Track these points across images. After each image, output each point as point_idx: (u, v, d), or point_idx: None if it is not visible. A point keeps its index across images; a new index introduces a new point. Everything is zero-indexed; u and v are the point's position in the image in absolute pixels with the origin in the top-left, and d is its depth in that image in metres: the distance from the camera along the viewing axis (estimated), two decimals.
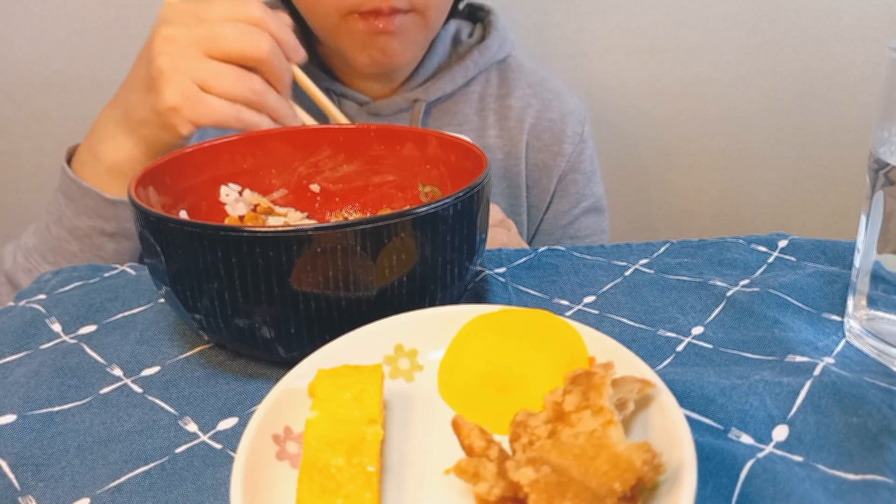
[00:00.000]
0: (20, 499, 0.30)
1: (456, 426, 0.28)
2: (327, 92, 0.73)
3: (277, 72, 0.56)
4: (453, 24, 0.80)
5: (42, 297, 0.47)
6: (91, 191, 0.58)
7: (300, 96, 0.65)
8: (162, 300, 0.46)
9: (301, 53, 0.58)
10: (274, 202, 0.51)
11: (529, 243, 0.83)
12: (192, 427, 0.34)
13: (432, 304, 0.38)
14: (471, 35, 0.81)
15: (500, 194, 0.80)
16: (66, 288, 0.48)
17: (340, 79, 0.76)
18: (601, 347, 0.32)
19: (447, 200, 0.36)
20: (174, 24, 0.54)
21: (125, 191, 0.59)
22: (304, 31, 0.75)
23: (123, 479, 0.31)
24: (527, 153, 0.79)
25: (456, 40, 0.80)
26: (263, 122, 0.56)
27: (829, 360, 0.36)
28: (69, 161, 0.62)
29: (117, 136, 0.58)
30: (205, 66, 0.53)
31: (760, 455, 0.29)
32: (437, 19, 0.70)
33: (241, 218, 0.49)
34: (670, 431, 0.27)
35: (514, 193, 0.80)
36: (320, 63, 0.76)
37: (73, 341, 0.42)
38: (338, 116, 0.65)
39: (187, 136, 0.56)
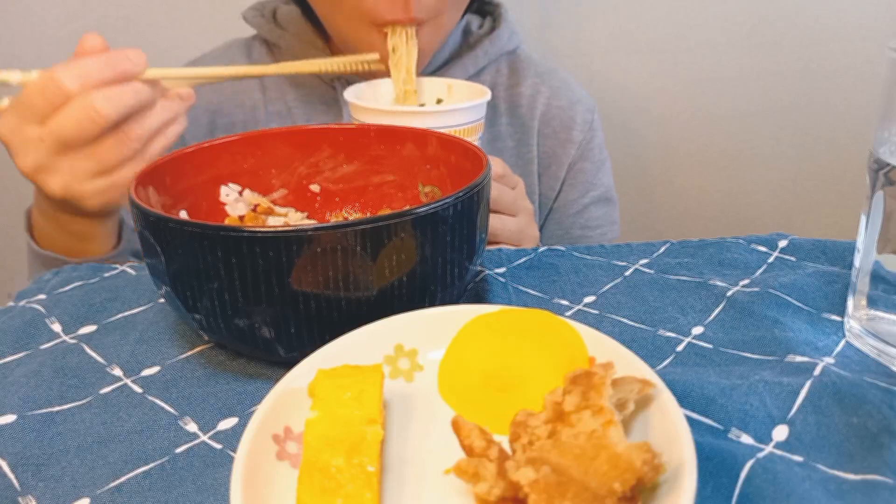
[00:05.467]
0: (20, 499, 0.30)
1: (456, 426, 0.28)
2: (338, 81, 0.74)
3: (133, 108, 0.52)
4: (464, 18, 0.81)
5: (42, 297, 0.47)
6: (57, 258, 0.60)
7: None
8: (162, 300, 0.46)
9: (138, 59, 0.52)
10: (274, 202, 0.51)
11: (540, 231, 0.84)
12: (192, 427, 0.34)
13: (432, 304, 0.38)
14: (480, 27, 0.82)
15: None
16: (66, 288, 0.48)
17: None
18: (601, 347, 0.32)
19: (447, 200, 0.36)
20: (25, 151, 0.51)
21: (88, 249, 0.60)
22: (311, 20, 0.76)
23: (123, 479, 0.31)
24: (537, 140, 0.80)
25: (466, 32, 0.81)
26: (172, 138, 0.56)
27: (829, 360, 0.36)
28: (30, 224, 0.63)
29: (66, 221, 0.58)
30: (85, 162, 0.52)
31: (760, 455, 0.29)
32: (451, 23, 0.72)
33: (241, 218, 0.49)
34: (670, 431, 0.27)
35: (525, 181, 0.80)
36: (332, 52, 0.77)
37: (73, 341, 0.42)
38: (213, 73, 0.60)
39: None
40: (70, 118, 0.50)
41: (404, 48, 0.65)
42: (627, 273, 0.48)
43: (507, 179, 0.62)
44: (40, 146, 0.51)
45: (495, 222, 0.59)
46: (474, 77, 0.78)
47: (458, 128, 0.57)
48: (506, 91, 0.80)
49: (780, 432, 0.31)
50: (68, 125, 0.50)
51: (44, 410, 0.36)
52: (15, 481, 0.31)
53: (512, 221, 0.61)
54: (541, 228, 0.84)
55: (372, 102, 0.62)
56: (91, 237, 0.60)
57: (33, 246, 0.61)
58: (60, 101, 0.50)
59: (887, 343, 0.36)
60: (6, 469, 0.32)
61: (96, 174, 0.52)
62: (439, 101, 0.68)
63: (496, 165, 0.61)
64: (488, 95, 0.61)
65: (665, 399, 0.28)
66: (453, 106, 0.58)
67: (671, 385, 0.31)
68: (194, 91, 0.58)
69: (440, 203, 0.36)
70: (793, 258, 0.48)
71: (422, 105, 0.67)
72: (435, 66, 0.77)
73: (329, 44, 0.77)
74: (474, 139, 0.59)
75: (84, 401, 0.37)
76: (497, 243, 0.60)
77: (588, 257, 0.50)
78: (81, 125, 0.49)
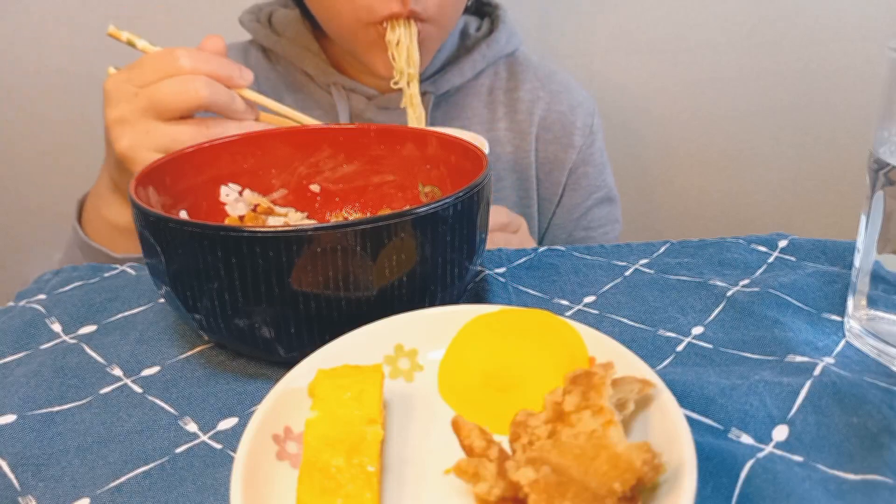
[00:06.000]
0: (20, 499, 0.30)
1: (456, 426, 0.28)
2: (335, 86, 0.74)
3: (223, 106, 0.56)
4: (461, 19, 0.80)
5: (42, 297, 0.47)
6: (100, 250, 0.61)
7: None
8: (162, 300, 0.46)
9: (247, 76, 0.58)
10: (274, 202, 0.51)
11: (542, 236, 0.83)
12: (192, 427, 0.34)
13: (432, 304, 0.38)
14: (478, 29, 0.81)
15: (511, 187, 0.80)
16: (66, 288, 0.48)
17: (348, 72, 0.76)
18: (601, 347, 0.32)
19: (447, 200, 0.36)
20: (118, 102, 0.55)
21: (130, 246, 0.62)
22: (310, 24, 0.76)
23: (123, 479, 0.31)
24: (536, 146, 0.79)
25: (464, 34, 0.80)
26: None
27: (829, 360, 0.36)
28: (81, 213, 0.65)
29: (114, 202, 0.61)
30: (161, 132, 0.54)
31: (760, 455, 0.29)
32: (451, 25, 0.71)
33: (241, 218, 0.49)
34: (670, 431, 0.27)
35: (524, 186, 0.80)
36: (328, 57, 0.76)
37: (73, 341, 0.42)
38: (303, 119, 0.63)
39: None
40: (170, 86, 0.54)
41: (404, 31, 0.65)
42: (627, 273, 0.48)
43: (511, 226, 0.63)
44: (133, 100, 0.55)
45: None
46: (472, 80, 0.77)
47: None
48: (504, 95, 0.79)
49: (780, 432, 0.31)
50: (166, 91, 0.54)
51: (44, 410, 0.36)
52: (15, 481, 0.31)
53: None
54: (543, 234, 0.83)
55: None
56: (132, 231, 0.61)
57: (81, 235, 0.63)
58: (169, 72, 0.54)
59: (887, 343, 0.36)
60: (6, 469, 0.32)
61: (162, 149, 0.55)
62: None
63: (499, 215, 0.62)
64: (486, 148, 0.59)
65: (665, 399, 0.28)
66: None
67: (671, 385, 0.31)
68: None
69: (440, 203, 0.36)
70: (793, 258, 0.48)
71: None
72: (432, 70, 0.76)
73: (323, 44, 0.76)
74: None
75: (84, 401, 0.37)
76: None
77: (588, 257, 0.50)
78: (178, 96, 0.54)
